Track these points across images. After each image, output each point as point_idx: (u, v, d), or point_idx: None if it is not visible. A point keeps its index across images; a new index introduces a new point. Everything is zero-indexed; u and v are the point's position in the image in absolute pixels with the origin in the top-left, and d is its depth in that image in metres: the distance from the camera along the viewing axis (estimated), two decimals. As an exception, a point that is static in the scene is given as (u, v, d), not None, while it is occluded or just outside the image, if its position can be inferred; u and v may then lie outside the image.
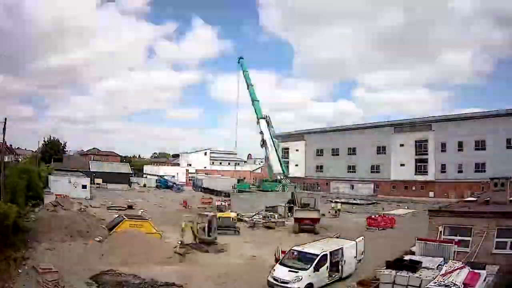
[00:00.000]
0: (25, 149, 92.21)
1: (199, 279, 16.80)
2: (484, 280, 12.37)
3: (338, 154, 77.93)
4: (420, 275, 13.14)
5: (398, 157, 66.67)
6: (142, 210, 34.81)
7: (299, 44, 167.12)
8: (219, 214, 28.04)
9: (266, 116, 51.53)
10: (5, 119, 26.58)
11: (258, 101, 52.29)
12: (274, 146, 50.35)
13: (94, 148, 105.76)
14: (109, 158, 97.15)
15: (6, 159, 32.64)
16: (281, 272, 15.15)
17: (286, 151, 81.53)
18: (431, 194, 61.39)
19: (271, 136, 50.25)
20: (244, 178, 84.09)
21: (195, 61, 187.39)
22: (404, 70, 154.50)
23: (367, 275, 16.60)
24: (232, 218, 28.72)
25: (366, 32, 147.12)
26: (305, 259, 15.81)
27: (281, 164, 49.99)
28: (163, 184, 75.68)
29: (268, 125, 50.95)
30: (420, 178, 64.16)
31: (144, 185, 73.48)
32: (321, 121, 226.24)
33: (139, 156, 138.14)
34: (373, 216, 34.49)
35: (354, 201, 55.08)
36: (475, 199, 21.69)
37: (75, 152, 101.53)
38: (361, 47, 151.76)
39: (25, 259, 16.29)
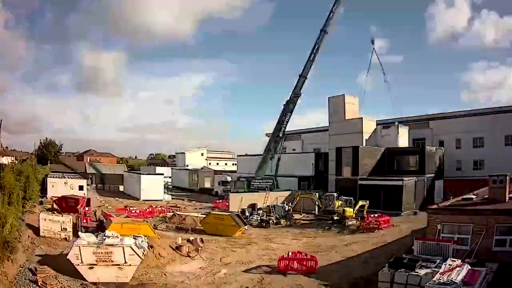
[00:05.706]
0: (21, 151, 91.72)
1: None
2: (484, 278, 12.30)
3: (336, 153, 77.46)
4: (419, 273, 13.07)
5: (396, 155, 66.40)
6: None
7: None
8: None
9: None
10: (0, 120, 25.94)
11: None
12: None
13: (90, 149, 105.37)
14: (106, 159, 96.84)
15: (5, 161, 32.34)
16: None
17: (283, 150, 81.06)
18: (429, 192, 61.26)
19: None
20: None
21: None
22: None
23: (365, 274, 16.56)
24: None
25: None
26: None
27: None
28: None
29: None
30: (418, 176, 63.98)
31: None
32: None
33: (135, 157, 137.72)
34: (372, 215, 34.42)
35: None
36: (474, 196, 21.62)
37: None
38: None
39: (22, 262, 16.12)
